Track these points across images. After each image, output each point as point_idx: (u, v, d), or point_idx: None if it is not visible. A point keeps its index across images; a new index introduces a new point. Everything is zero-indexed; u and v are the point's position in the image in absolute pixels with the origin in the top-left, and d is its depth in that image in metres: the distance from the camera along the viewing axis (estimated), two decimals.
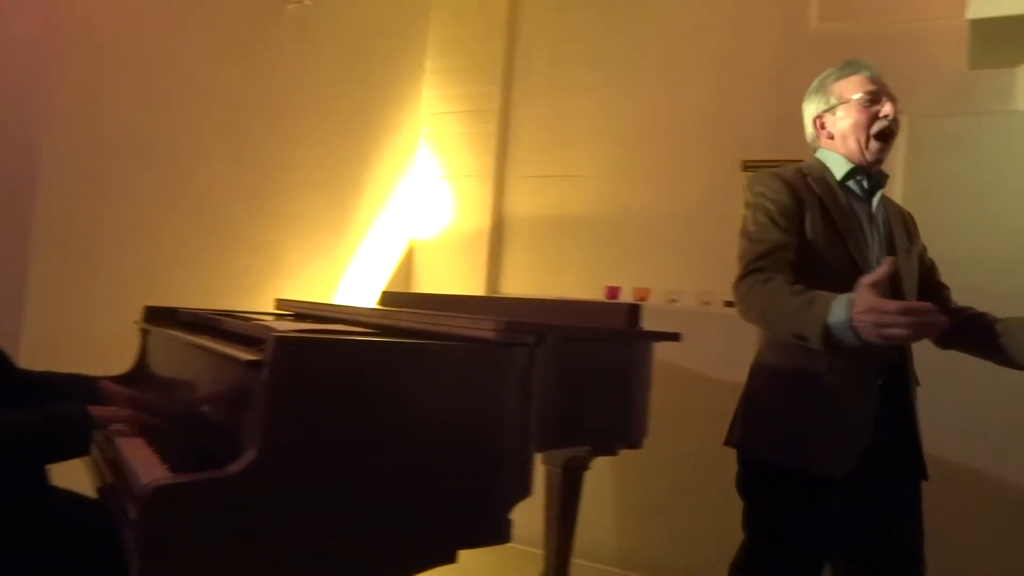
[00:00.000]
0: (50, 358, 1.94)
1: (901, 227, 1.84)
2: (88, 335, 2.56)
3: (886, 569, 1.70)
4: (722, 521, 3.07)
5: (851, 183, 1.78)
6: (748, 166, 3.51)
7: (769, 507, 1.70)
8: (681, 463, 3.13)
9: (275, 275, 3.52)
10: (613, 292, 3.46)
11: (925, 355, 1.82)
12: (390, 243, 4.25)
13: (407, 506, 1.27)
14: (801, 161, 3.43)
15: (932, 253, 1.98)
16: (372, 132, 4.12)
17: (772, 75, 3.50)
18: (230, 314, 2.19)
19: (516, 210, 4.13)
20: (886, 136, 1.74)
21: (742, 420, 1.81)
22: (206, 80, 3.15)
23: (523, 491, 1.46)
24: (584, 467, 2.51)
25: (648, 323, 2.64)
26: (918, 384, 1.80)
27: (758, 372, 1.81)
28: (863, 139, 1.74)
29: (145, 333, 2.30)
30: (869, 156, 1.75)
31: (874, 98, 1.75)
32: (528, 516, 2.45)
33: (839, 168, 1.78)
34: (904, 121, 3.11)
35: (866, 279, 1.38)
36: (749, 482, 1.77)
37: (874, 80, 1.79)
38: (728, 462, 3.07)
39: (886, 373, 1.66)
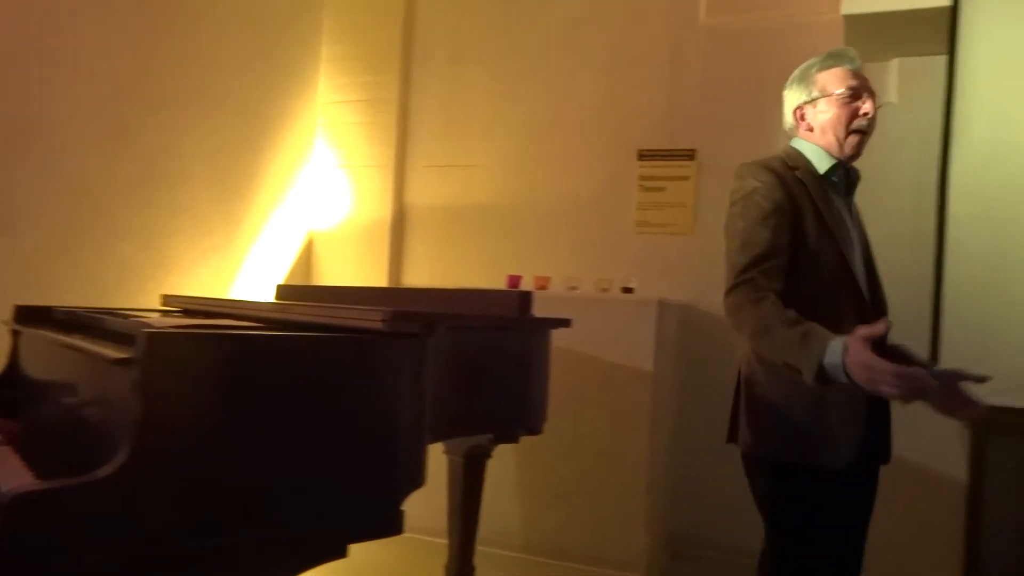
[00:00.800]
0: None
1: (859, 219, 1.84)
2: None
3: (859, 550, 1.73)
4: (622, 502, 3.17)
5: (834, 178, 1.76)
6: (643, 155, 3.59)
7: (786, 505, 1.65)
8: (582, 447, 3.19)
9: (164, 270, 3.37)
10: (514, 281, 3.48)
11: None
12: (288, 235, 4.14)
13: (291, 501, 1.24)
14: (693, 150, 3.60)
15: None
16: (267, 121, 3.99)
17: (665, 67, 3.59)
18: (110, 312, 2.08)
19: (417, 200, 4.10)
20: (864, 133, 1.73)
21: (746, 422, 1.71)
22: (82, 64, 2.98)
23: (416, 482, 1.45)
24: (486, 455, 2.52)
25: (548, 310, 2.67)
26: None
27: (754, 372, 1.70)
28: (842, 135, 1.73)
29: (16, 334, 2.16)
30: (847, 151, 1.73)
31: (855, 94, 1.73)
32: (431, 507, 2.45)
33: (821, 162, 1.74)
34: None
35: (861, 332, 1.38)
36: (764, 482, 1.69)
37: (856, 74, 1.76)
38: (626, 445, 3.17)
39: None
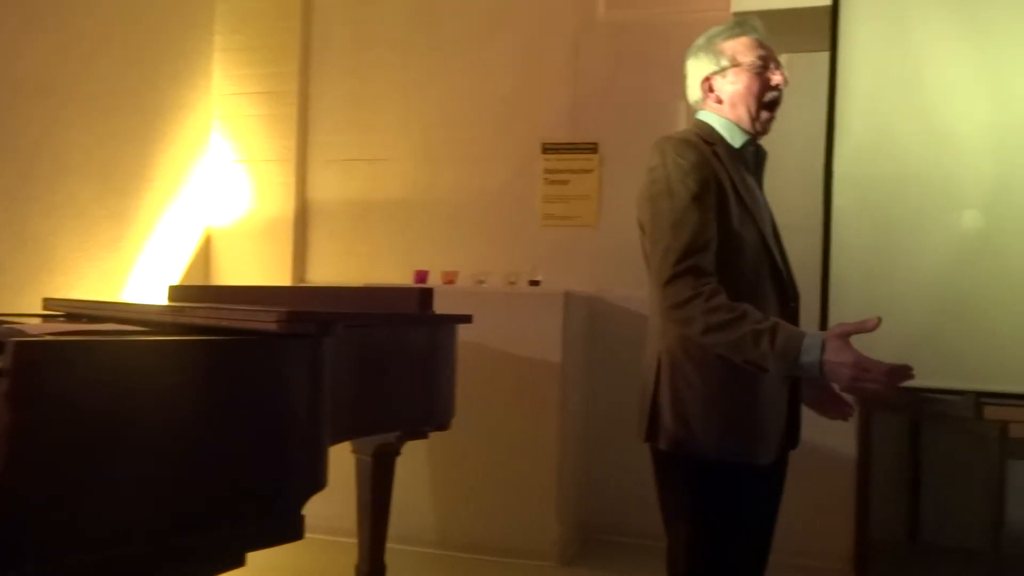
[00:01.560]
0: None
1: None
2: None
3: (770, 536, 1.67)
4: (534, 493, 3.20)
5: (747, 156, 1.66)
6: (547, 148, 3.62)
7: (715, 502, 1.54)
8: (492, 440, 3.20)
9: (45, 272, 3.18)
10: (422, 276, 3.45)
11: None
12: (183, 232, 3.97)
13: (182, 510, 1.19)
14: (595, 143, 3.66)
15: None
16: (156, 113, 3.81)
17: (567, 61, 3.63)
18: None
19: (321, 195, 4.01)
20: (775, 106, 1.64)
21: (672, 417, 1.55)
22: None
23: (316, 485, 1.41)
24: (395, 453, 2.49)
25: (456, 304, 2.65)
26: None
27: (681, 366, 1.55)
28: (754, 107, 1.62)
29: None
30: (759, 126, 1.64)
31: (765, 63, 1.63)
32: (340, 507, 2.41)
33: (734, 136, 1.64)
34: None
35: (841, 328, 1.36)
36: (689, 481, 1.56)
37: (763, 44, 1.66)
38: (536, 436, 3.20)
39: None
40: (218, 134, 4.14)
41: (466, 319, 2.28)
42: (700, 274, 1.45)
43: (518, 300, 3.25)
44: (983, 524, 2.69)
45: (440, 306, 2.35)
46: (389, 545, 2.52)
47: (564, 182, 3.60)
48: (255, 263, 4.02)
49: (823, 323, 2.78)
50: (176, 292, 2.63)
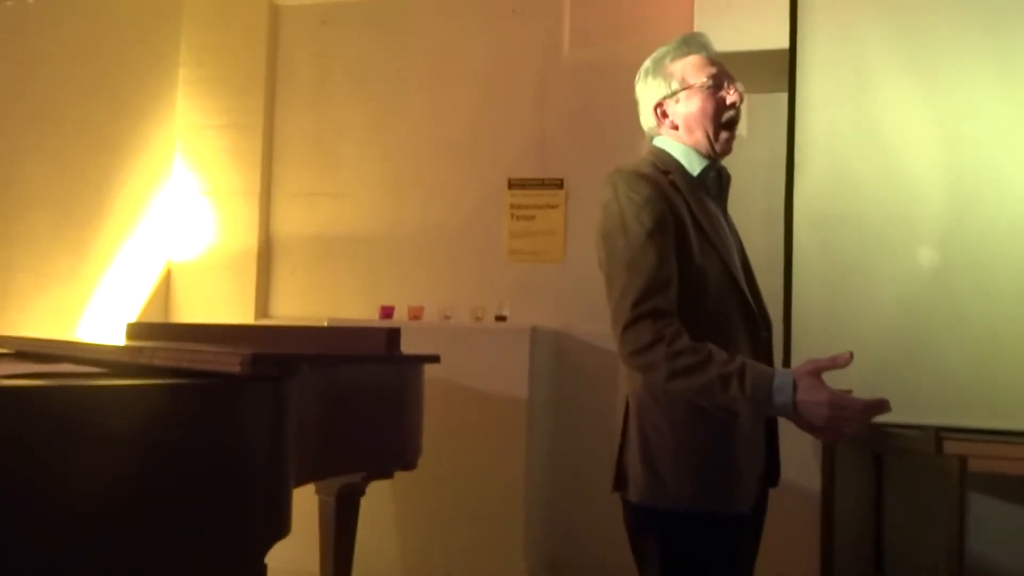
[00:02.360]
0: None
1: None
2: None
3: None
4: (501, 529, 3.16)
5: (708, 183, 1.58)
6: (513, 184, 3.64)
7: (690, 558, 1.45)
8: (459, 477, 3.16)
9: None
10: (387, 311, 3.42)
11: None
12: (143, 265, 3.90)
13: (135, 564, 1.14)
14: (561, 179, 3.69)
15: None
16: (118, 144, 3.75)
17: (532, 97, 3.67)
18: None
19: (285, 229, 3.97)
20: (733, 125, 1.55)
21: (642, 467, 1.47)
22: None
23: (279, 532, 1.37)
24: (360, 493, 2.45)
25: (422, 340, 2.63)
26: None
27: (648, 411, 1.48)
28: (711, 129, 1.53)
29: None
30: (719, 148, 1.55)
31: (718, 82, 1.54)
32: (304, 548, 2.35)
33: (693, 163, 1.55)
34: (646, 144, 3.43)
35: (813, 365, 1.31)
36: (662, 535, 1.47)
37: (713, 61, 1.58)
38: (503, 472, 3.17)
39: None
40: (181, 166, 4.09)
41: (434, 359, 2.26)
42: (660, 316, 1.37)
43: (484, 335, 3.24)
44: (945, 556, 2.72)
45: (406, 342, 2.32)
46: None
47: (530, 217, 3.62)
48: (217, 297, 3.95)
49: (787, 359, 2.82)
50: (134, 330, 2.57)
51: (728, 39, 3.02)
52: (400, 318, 3.41)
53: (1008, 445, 2.62)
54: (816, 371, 1.32)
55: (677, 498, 1.42)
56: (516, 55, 3.70)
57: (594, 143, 3.54)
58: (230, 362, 1.31)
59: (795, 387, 1.30)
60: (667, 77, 1.57)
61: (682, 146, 1.56)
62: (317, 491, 2.40)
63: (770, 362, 1.56)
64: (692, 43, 1.59)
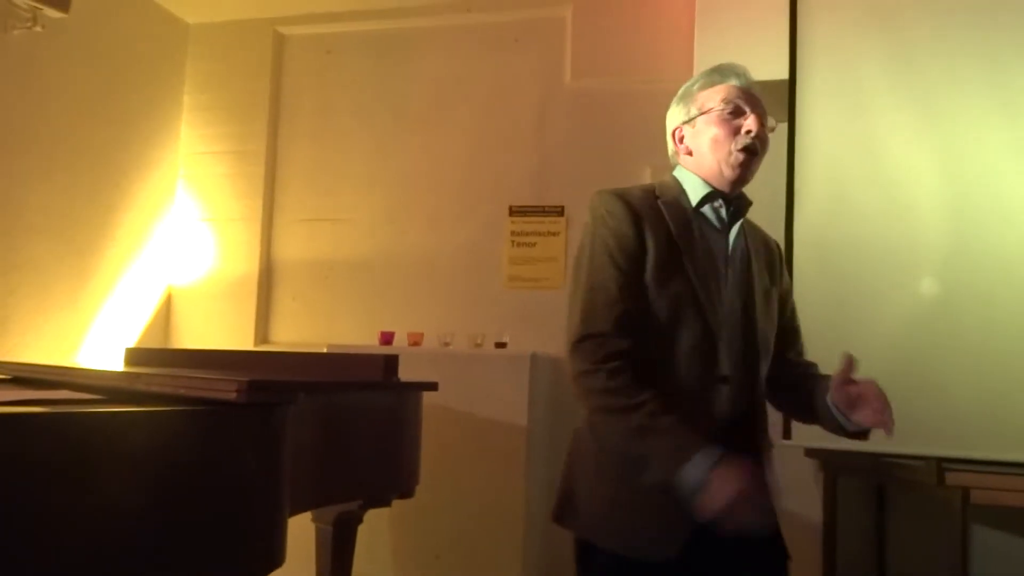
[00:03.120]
0: None
1: (763, 262, 1.57)
2: None
3: None
4: (499, 557, 3.12)
5: (707, 210, 1.51)
6: (514, 211, 3.66)
7: None
8: (458, 504, 3.13)
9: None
10: (387, 337, 3.42)
11: None
12: (144, 290, 3.90)
13: None
14: (562, 207, 3.70)
15: None
16: (122, 170, 3.78)
17: (533, 125, 3.70)
18: None
19: (286, 255, 3.98)
20: (750, 152, 1.46)
21: (566, 495, 1.51)
22: None
23: (273, 562, 1.36)
24: (357, 521, 2.42)
25: (422, 367, 2.62)
26: (771, 446, 1.53)
27: (587, 441, 1.48)
28: (723, 156, 1.47)
29: None
30: (728, 174, 1.47)
31: (737, 110, 1.48)
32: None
33: (695, 191, 1.51)
34: (647, 172, 3.46)
35: (747, 469, 1.24)
36: (585, 567, 1.47)
37: (743, 91, 1.51)
38: (502, 500, 3.14)
39: (726, 437, 1.35)
40: (184, 192, 4.11)
41: (431, 386, 2.25)
42: (605, 344, 1.35)
43: (484, 362, 3.23)
44: None
45: (405, 368, 2.32)
46: None
47: (531, 244, 3.62)
48: (217, 323, 3.96)
49: None
50: (133, 355, 2.57)
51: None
52: (400, 344, 3.41)
53: (1011, 477, 2.59)
54: (744, 472, 1.24)
55: (601, 536, 1.42)
56: (517, 83, 3.74)
57: (594, 170, 3.56)
58: (226, 389, 1.30)
59: (716, 464, 1.24)
60: (689, 103, 1.54)
61: (692, 176, 1.52)
62: (314, 519, 2.38)
63: (745, 412, 1.45)
64: (725, 72, 1.53)
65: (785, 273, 1.68)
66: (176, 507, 1.20)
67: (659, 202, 1.49)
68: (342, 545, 2.39)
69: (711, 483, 1.23)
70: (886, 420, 1.38)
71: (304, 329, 3.87)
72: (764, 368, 1.51)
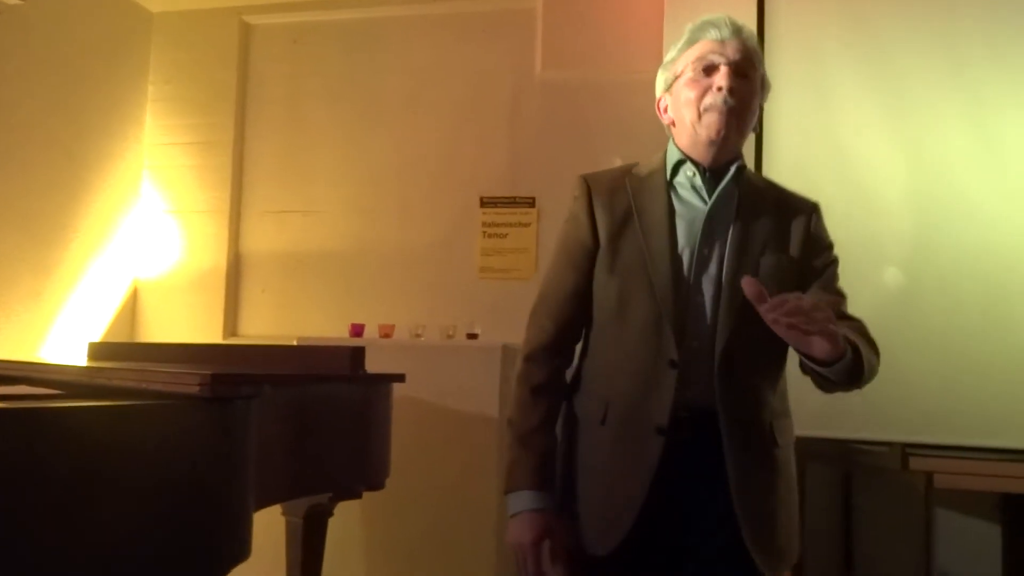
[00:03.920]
0: None
1: (768, 231, 1.38)
2: None
3: None
4: (472, 549, 3.13)
5: (681, 180, 1.40)
6: (485, 202, 3.65)
7: None
8: (430, 496, 3.13)
9: None
10: (357, 329, 3.39)
11: None
12: (109, 284, 3.84)
13: None
14: (533, 198, 3.70)
15: None
16: (85, 163, 3.71)
17: (504, 117, 3.69)
18: None
19: (255, 247, 3.93)
20: (718, 110, 1.33)
21: None
22: None
23: (238, 555, 1.34)
24: (327, 514, 2.41)
25: (393, 359, 2.60)
26: (776, 446, 1.36)
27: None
28: (694, 119, 1.35)
29: None
30: (703, 137, 1.35)
31: (710, 67, 1.35)
32: (271, 570, 2.31)
33: (670, 162, 1.41)
34: (617, 163, 3.45)
35: (525, 534, 1.31)
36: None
37: (719, 44, 1.36)
38: (474, 492, 3.14)
39: (681, 424, 1.30)
40: (149, 184, 4.04)
41: (399, 378, 2.24)
42: (534, 345, 1.41)
43: (455, 353, 3.22)
44: (914, 572, 2.74)
45: (376, 360, 2.31)
46: None
47: (502, 235, 3.62)
48: (185, 316, 3.90)
49: None
50: (96, 350, 2.52)
51: None
52: (371, 336, 3.39)
53: (973, 461, 2.66)
54: (550, 545, 1.32)
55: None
56: (488, 74, 3.72)
57: (566, 162, 3.55)
58: (190, 382, 1.29)
59: (524, 510, 1.33)
60: (667, 71, 1.44)
61: (673, 146, 1.43)
62: (284, 512, 2.36)
63: (690, 397, 1.32)
64: (703, 27, 1.39)
65: (818, 239, 1.44)
66: (137, 502, 1.18)
67: (627, 177, 1.43)
68: (312, 538, 2.38)
69: (509, 525, 1.34)
70: (796, 323, 1.12)
71: (274, 322, 3.84)
72: (747, 349, 1.32)
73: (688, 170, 1.40)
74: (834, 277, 1.45)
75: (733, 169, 1.39)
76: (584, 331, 1.47)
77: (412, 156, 3.76)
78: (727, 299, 1.33)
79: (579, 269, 1.43)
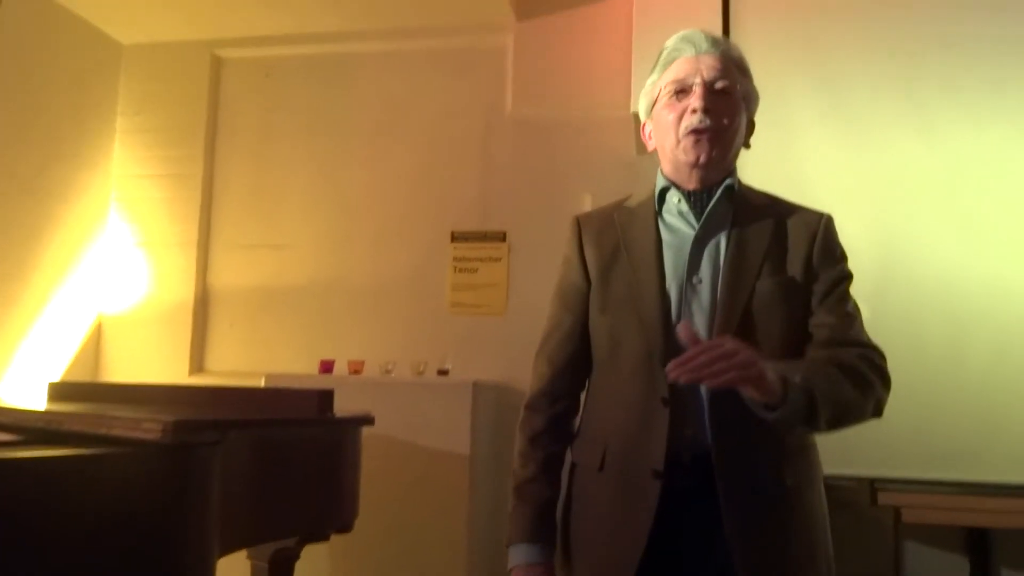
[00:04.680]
0: None
1: (768, 248, 1.31)
2: None
3: None
4: None
5: (668, 208, 1.36)
6: (456, 237, 3.65)
7: None
8: (400, 535, 3.08)
9: None
10: (327, 366, 3.35)
11: None
12: (73, 319, 3.76)
13: None
14: (504, 233, 3.70)
15: None
16: (49, 194, 3.65)
17: (475, 152, 3.71)
18: None
19: (223, 281, 3.89)
20: (696, 134, 1.28)
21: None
22: None
23: None
24: (294, 557, 2.36)
25: (363, 396, 2.57)
26: (782, 486, 1.27)
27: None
28: (672, 145, 1.31)
29: None
30: (684, 161, 1.30)
31: (682, 86, 1.30)
32: None
33: (657, 191, 1.37)
34: (587, 199, 3.49)
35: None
36: None
37: (693, 61, 1.30)
38: (444, 529, 3.10)
39: (680, 469, 1.23)
40: (117, 216, 3.99)
41: (368, 421, 2.21)
42: (535, 391, 1.43)
43: (426, 390, 3.20)
44: None
45: (345, 397, 2.28)
46: None
47: (473, 270, 3.62)
48: (150, 351, 3.83)
49: None
50: (56, 390, 2.46)
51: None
52: (340, 372, 3.35)
53: (940, 495, 2.68)
54: None
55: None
56: (459, 110, 3.74)
57: (537, 197, 3.58)
58: (151, 428, 1.26)
59: (513, 567, 1.35)
60: (647, 96, 1.39)
61: (660, 172, 1.38)
62: (249, 556, 2.30)
63: (686, 435, 1.25)
64: (678, 47, 1.35)
65: (825, 255, 1.35)
66: (95, 552, 1.14)
67: (616, 212, 1.40)
68: None
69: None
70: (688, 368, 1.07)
71: (242, 357, 3.78)
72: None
73: (674, 196, 1.35)
74: (841, 297, 1.35)
75: (720, 190, 1.32)
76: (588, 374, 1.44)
77: (383, 191, 3.76)
78: (719, 328, 1.24)
79: (573, 311, 1.40)
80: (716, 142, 1.29)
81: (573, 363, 1.41)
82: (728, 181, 1.33)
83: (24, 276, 3.50)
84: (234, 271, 3.87)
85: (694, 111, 1.28)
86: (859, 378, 1.25)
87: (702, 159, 1.29)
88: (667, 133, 1.32)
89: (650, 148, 1.42)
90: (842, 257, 1.38)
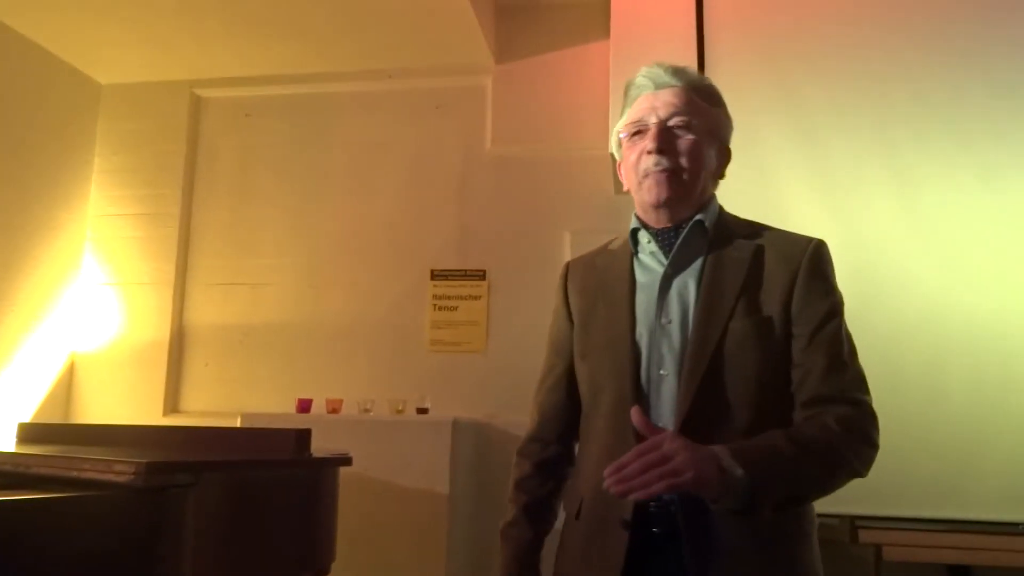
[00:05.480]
0: None
1: (743, 284, 1.24)
2: None
3: None
4: None
5: (641, 247, 1.33)
6: (435, 275, 3.65)
7: None
8: (377, 575, 3.02)
9: None
10: (304, 404, 3.31)
11: None
12: (45, 358, 3.69)
13: None
14: (483, 270, 3.71)
15: None
16: (24, 233, 3.61)
17: (455, 191, 3.73)
18: None
19: (199, 320, 3.85)
20: (654, 176, 1.26)
21: None
22: None
23: None
24: None
25: (341, 435, 2.53)
26: (757, 538, 1.18)
27: None
28: (635, 187, 1.30)
29: None
30: (646, 199, 1.27)
31: (639, 129, 1.29)
32: None
33: (630, 231, 1.34)
34: (566, 237, 3.51)
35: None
36: None
37: (654, 98, 1.29)
38: (423, 569, 3.04)
39: (649, 518, 1.19)
40: (91, 255, 3.95)
41: (345, 461, 2.18)
42: (525, 437, 1.44)
43: (405, 428, 3.17)
44: None
45: (323, 436, 2.25)
46: None
47: (453, 308, 3.61)
48: (124, 390, 3.77)
49: None
50: (26, 432, 2.40)
51: None
52: (318, 411, 3.31)
53: (922, 533, 2.67)
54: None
55: None
56: (439, 149, 3.77)
57: (516, 235, 3.60)
58: (123, 471, 1.23)
59: None
60: (614, 135, 1.36)
61: (633, 213, 1.35)
62: None
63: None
64: (637, 85, 1.33)
65: (809, 287, 1.26)
66: None
67: (598, 256, 1.39)
68: None
69: None
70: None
71: (218, 397, 3.72)
72: (711, 427, 1.16)
73: (644, 236, 1.31)
74: (832, 337, 1.25)
75: (687, 227, 1.27)
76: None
77: (362, 229, 3.76)
78: (687, 374, 1.19)
79: (562, 357, 1.40)
80: (673, 182, 1.25)
81: (559, 409, 1.41)
82: (698, 216, 1.29)
83: None
84: (211, 309, 3.83)
85: (649, 152, 1.26)
86: (830, 455, 1.17)
87: (663, 199, 1.26)
88: (630, 174, 1.31)
89: (625, 187, 1.38)
90: (832, 289, 1.31)
